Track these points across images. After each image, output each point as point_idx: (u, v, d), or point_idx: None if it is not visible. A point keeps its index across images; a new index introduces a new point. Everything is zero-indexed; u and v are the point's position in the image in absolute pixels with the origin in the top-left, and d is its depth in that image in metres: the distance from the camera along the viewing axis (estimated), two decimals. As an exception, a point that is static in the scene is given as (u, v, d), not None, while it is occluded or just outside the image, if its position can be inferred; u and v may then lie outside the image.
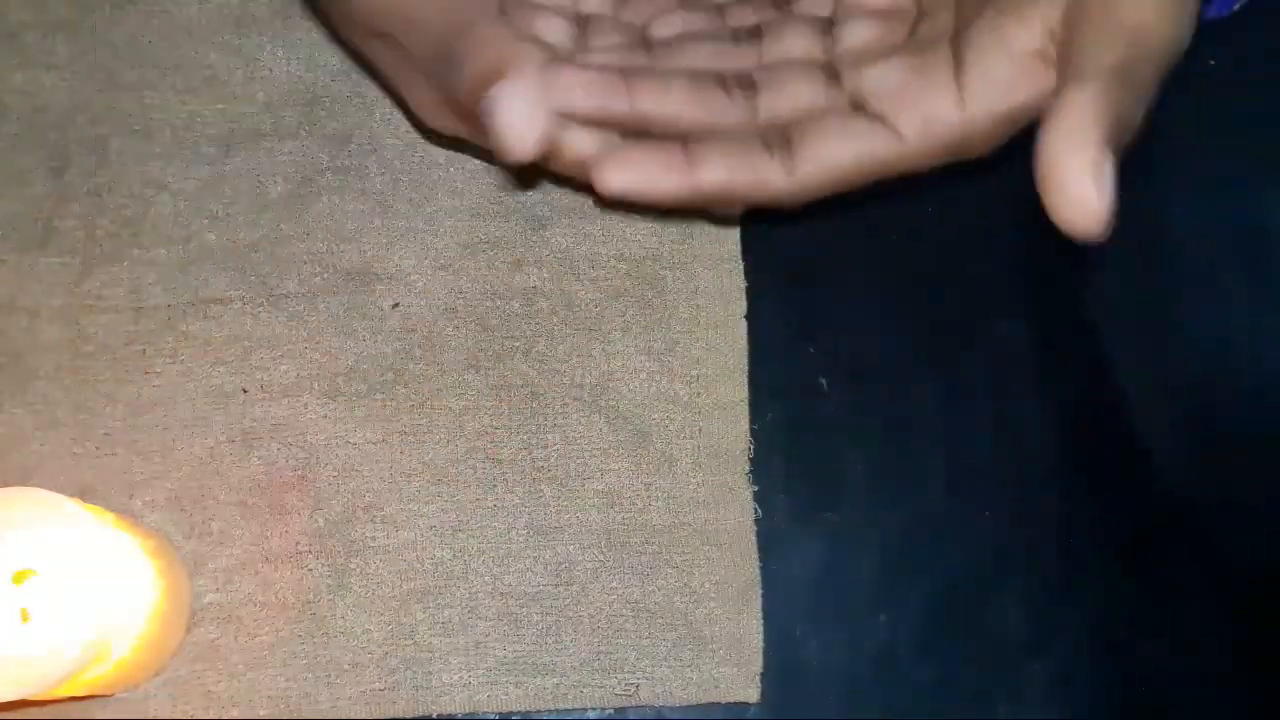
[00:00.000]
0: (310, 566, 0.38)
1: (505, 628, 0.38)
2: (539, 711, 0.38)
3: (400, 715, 0.37)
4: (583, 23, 0.31)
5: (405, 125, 0.41)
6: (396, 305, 0.40)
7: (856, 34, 0.29)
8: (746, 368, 0.40)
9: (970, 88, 0.27)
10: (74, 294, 0.39)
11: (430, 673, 0.37)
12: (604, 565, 0.38)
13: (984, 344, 0.41)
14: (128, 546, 0.34)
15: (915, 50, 0.28)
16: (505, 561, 0.38)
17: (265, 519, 0.38)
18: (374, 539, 0.38)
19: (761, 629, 0.38)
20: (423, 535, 0.38)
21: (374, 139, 0.41)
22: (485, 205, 0.40)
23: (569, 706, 0.37)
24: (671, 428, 0.39)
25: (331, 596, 0.38)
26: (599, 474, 0.39)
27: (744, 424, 0.39)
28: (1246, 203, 0.42)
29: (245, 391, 0.39)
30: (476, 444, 0.39)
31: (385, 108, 0.41)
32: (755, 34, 0.30)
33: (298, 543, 0.38)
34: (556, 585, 0.38)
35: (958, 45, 0.28)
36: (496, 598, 0.38)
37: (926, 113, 0.27)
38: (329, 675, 0.37)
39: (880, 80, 0.28)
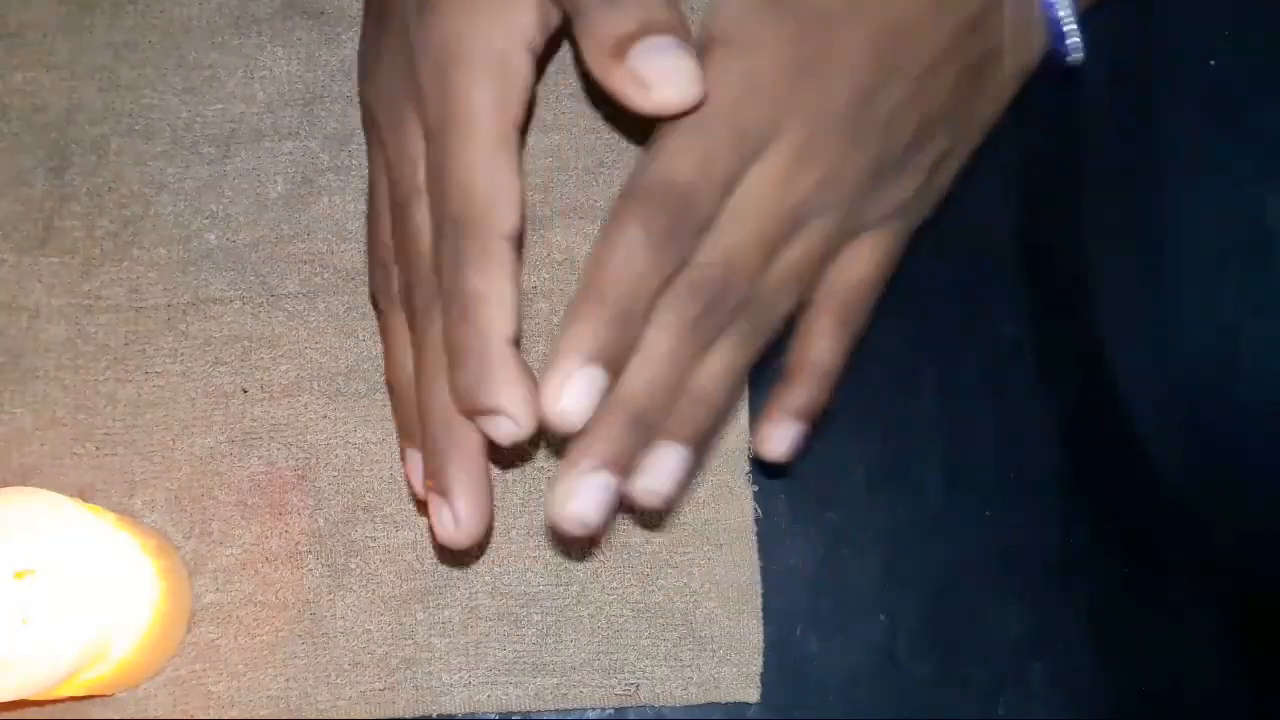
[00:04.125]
0: (310, 566, 0.38)
1: (505, 628, 0.38)
2: (539, 711, 0.38)
3: (400, 715, 0.37)
4: None
5: (405, 125, 0.41)
6: (396, 305, 0.40)
7: None
8: (746, 367, 0.40)
9: None
10: (74, 293, 0.39)
11: (430, 673, 0.37)
12: (603, 565, 0.38)
13: (984, 344, 0.41)
14: (128, 546, 0.34)
15: None
16: (505, 561, 0.38)
17: (265, 519, 0.38)
18: (374, 539, 0.38)
19: (761, 629, 0.38)
20: (423, 535, 0.38)
21: (374, 139, 0.41)
22: (485, 205, 0.40)
23: (569, 706, 0.37)
24: (671, 428, 0.39)
25: (331, 596, 0.38)
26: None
27: (744, 423, 0.39)
28: (1247, 203, 0.42)
29: (245, 391, 0.39)
30: (476, 444, 0.39)
31: (385, 108, 0.41)
32: None
33: (298, 543, 0.38)
34: (556, 585, 0.38)
35: None
36: (496, 598, 0.38)
37: None
38: (329, 675, 0.37)
39: None
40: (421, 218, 0.29)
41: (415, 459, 0.30)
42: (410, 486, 0.31)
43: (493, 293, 0.27)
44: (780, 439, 0.31)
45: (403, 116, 0.29)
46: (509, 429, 0.28)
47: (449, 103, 0.28)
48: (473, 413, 0.28)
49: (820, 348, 0.32)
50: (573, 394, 0.27)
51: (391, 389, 0.32)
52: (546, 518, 0.28)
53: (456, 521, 0.29)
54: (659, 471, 0.29)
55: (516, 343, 0.28)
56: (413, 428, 0.30)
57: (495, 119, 0.28)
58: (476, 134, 0.27)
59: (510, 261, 0.28)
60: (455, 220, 0.27)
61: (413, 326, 0.29)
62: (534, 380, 0.28)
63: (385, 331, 0.32)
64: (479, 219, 0.27)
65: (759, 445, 0.32)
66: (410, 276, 0.29)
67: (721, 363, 0.30)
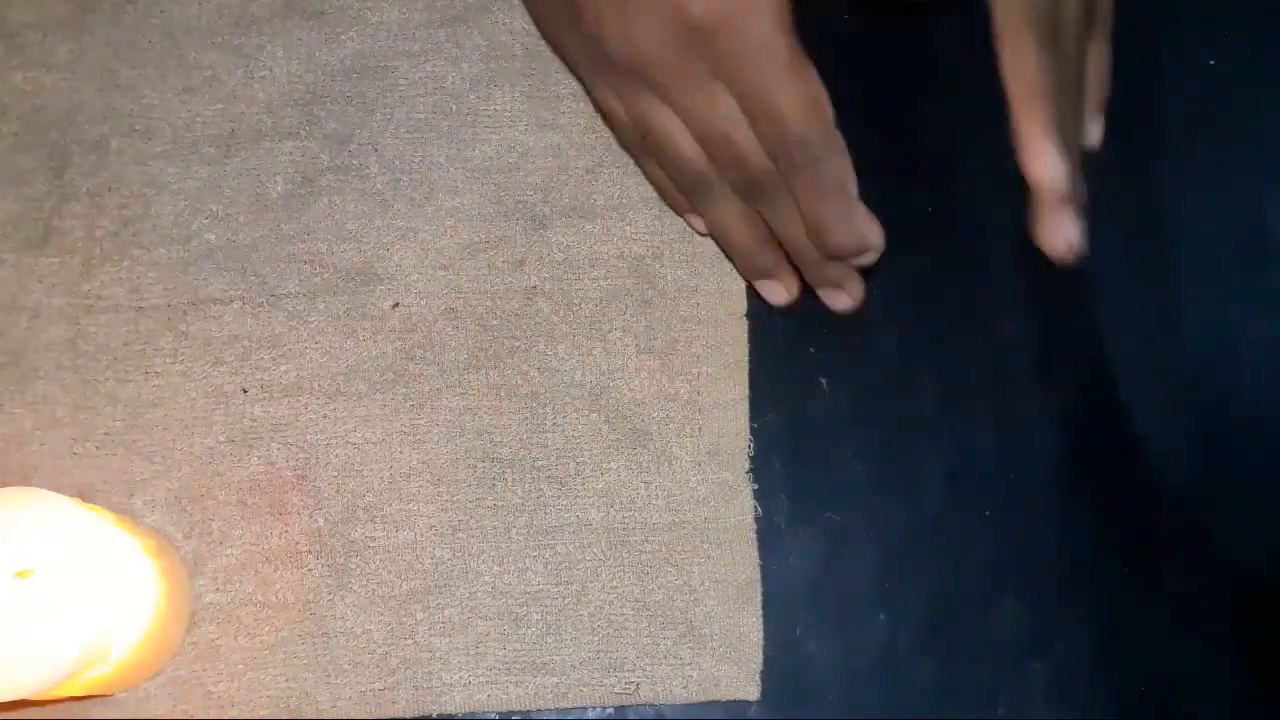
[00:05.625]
0: (310, 566, 0.38)
1: (505, 627, 0.38)
2: (539, 711, 0.38)
3: (400, 715, 0.37)
4: None
5: (405, 125, 0.41)
6: (396, 305, 0.40)
7: None
8: (747, 366, 0.40)
9: None
10: (74, 293, 0.39)
11: (430, 673, 0.37)
12: (604, 564, 0.38)
13: (984, 344, 0.41)
14: (128, 546, 0.34)
15: None
16: (505, 561, 0.38)
17: (265, 519, 0.38)
18: (374, 539, 0.38)
19: (761, 627, 0.38)
20: (423, 535, 0.38)
21: (374, 139, 0.41)
22: (485, 205, 0.41)
23: (569, 705, 0.37)
24: (671, 426, 0.39)
25: (331, 596, 0.38)
26: (599, 473, 0.39)
27: (744, 422, 0.39)
28: (1247, 203, 0.42)
29: (245, 391, 0.39)
30: (476, 444, 0.39)
31: (385, 108, 0.41)
32: None
33: (298, 543, 0.38)
34: (556, 584, 0.38)
35: None
36: (496, 597, 0.38)
37: None
38: (329, 675, 0.37)
39: None
40: (748, 138, 0.34)
41: (696, 219, 0.39)
42: (692, 228, 0.40)
43: (845, 171, 0.35)
44: (1068, 229, 0.33)
45: (687, 64, 0.33)
46: (872, 257, 0.36)
47: (747, 53, 0.32)
48: (847, 253, 0.36)
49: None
50: (1056, 161, 0.32)
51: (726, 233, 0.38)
52: (1046, 245, 0.33)
53: (788, 290, 0.39)
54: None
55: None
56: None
57: (781, 45, 0.33)
58: (777, 67, 0.33)
59: (842, 142, 0.34)
60: (799, 133, 0.33)
61: (762, 201, 0.36)
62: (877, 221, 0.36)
63: (715, 212, 0.38)
64: (814, 125, 0.33)
65: (1051, 246, 0.34)
66: (752, 173, 0.35)
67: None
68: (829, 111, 0.34)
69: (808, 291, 0.41)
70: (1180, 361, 0.41)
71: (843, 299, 0.39)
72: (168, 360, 0.39)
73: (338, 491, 0.38)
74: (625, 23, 0.33)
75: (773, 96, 0.33)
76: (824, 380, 0.40)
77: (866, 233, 0.35)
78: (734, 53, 0.32)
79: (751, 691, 0.38)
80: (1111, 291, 0.41)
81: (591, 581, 0.38)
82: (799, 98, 0.33)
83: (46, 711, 0.36)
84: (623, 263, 0.40)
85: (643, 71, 0.34)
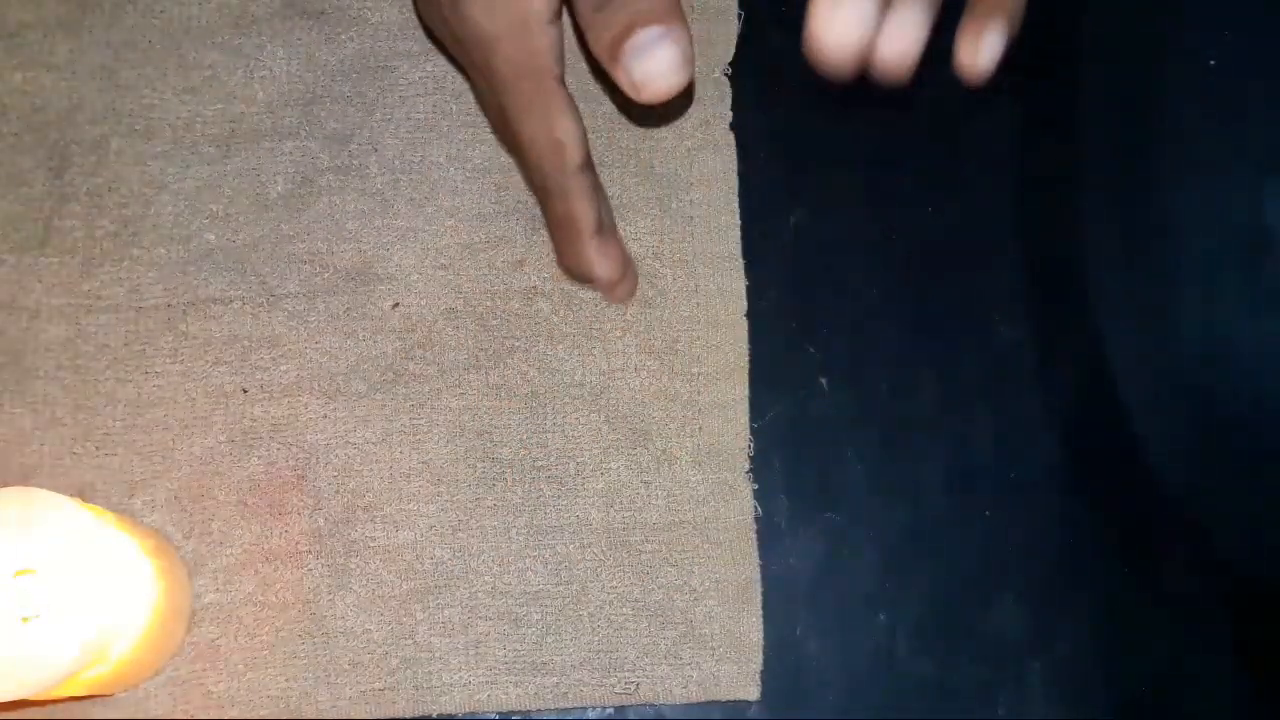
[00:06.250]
0: (310, 566, 0.38)
1: (505, 627, 0.38)
2: (539, 711, 0.38)
3: (400, 715, 0.37)
4: None
5: (405, 125, 0.41)
6: (396, 305, 0.40)
7: None
8: (747, 366, 0.40)
9: None
10: (74, 293, 0.39)
11: (430, 673, 0.37)
12: (604, 564, 0.38)
13: (984, 344, 0.41)
14: (127, 546, 0.34)
15: None
16: (505, 561, 0.38)
17: (265, 519, 0.38)
18: (374, 539, 0.38)
19: (761, 627, 0.38)
20: (423, 535, 0.38)
21: (374, 139, 0.41)
22: (486, 205, 0.41)
23: (569, 705, 0.37)
24: (671, 426, 0.39)
25: (331, 596, 0.38)
26: (599, 473, 0.39)
27: (744, 422, 0.39)
28: (1246, 203, 0.42)
29: (245, 391, 0.39)
30: (476, 444, 0.39)
31: (385, 108, 0.41)
32: None
33: (298, 543, 0.38)
34: (556, 584, 0.38)
35: None
36: (496, 597, 0.38)
37: None
38: (329, 675, 0.37)
39: None
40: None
41: None
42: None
43: (577, 214, 0.35)
44: (988, 44, 0.30)
45: (468, 55, 0.34)
46: (603, 287, 0.37)
47: (495, 84, 0.32)
48: (575, 278, 0.37)
49: None
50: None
51: None
52: (809, 36, 0.29)
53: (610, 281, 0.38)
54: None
55: (601, 226, 0.36)
56: None
57: (537, 87, 0.32)
58: (527, 103, 0.32)
59: (584, 185, 0.34)
60: (535, 165, 0.33)
61: None
62: (618, 252, 0.37)
63: None
64: (551, 166, 0.33)
65: (965, 60, 0.31)
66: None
67: None
68: (573, 156, 0.33)
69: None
70: (1180, 361, 0.41)
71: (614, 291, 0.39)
72: (168, 360, 0.39)
73: (338, 491, 0.38)
74: (431, 20, 0.35)
75: (513, 129, 0.33)
76: (824, 380, 0.40)
77: (594, 269, 0.35)
78: (487, 72, 0.32)
79: (751, 692, 0.38)
80: (1111, 291, 0.41)
81: (591, 581, 0.38)
82: (537, 140, 0.33)
83: (46, 711, 0.36)
84: (623, 263, 0.40)
85: (448, 48, 0.35)
